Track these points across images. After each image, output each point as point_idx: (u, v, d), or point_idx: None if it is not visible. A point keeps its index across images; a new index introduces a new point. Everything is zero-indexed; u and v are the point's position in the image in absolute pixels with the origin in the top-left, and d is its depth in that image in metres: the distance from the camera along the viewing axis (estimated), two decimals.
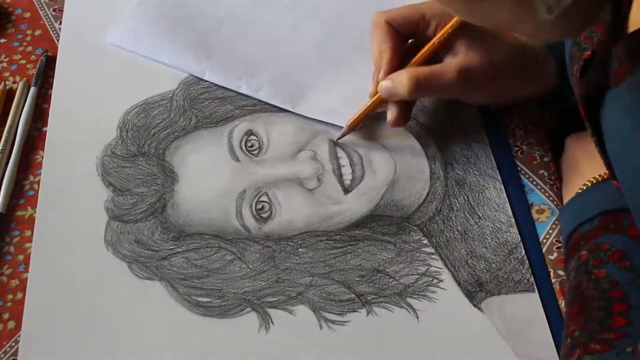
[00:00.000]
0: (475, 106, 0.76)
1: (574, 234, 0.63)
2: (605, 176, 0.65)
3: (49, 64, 0.81)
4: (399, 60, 0.70)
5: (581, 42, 0.60)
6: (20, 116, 0.76)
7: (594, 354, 0.54)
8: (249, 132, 0.74)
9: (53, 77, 0.80)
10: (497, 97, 0.73)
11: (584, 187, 0.66)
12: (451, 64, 0.68)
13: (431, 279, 0.66)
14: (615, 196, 0.61)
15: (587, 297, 0.58)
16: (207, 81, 0.79)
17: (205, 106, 0.77)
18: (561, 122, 0.76)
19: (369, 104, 0.72)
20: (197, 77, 0.79)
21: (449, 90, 0.70)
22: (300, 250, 0.67)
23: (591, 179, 0.65)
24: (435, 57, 0.70)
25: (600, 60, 0.56)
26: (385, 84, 0.69)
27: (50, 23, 0.86)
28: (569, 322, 0.58)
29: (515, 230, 0.68)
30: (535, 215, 0.69)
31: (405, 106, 0.71)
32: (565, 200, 0.68)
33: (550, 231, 0.68)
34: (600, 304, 0.56)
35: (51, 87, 0.79)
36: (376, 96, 0.71)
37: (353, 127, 0.73)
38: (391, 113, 0.71)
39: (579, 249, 0.61)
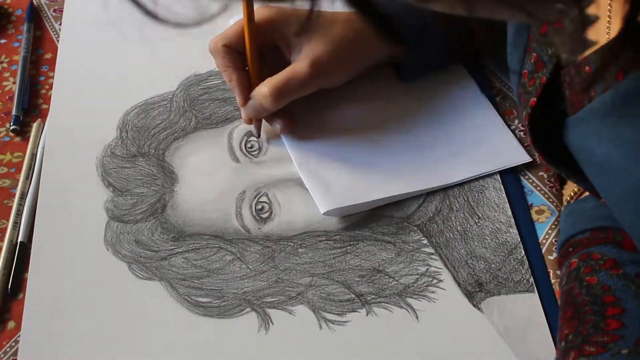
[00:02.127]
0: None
1: (566, 243, 0.64)
2: None
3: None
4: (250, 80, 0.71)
5: (526, 84, 0.61)
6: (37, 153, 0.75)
7: (589, 356, 0.54)
8: (249, 133, 0.75)
9: (53, 77, 0.80)
10: (351, 73, 0.73)
11: (573, 194, 0.66)
12: (301, 61, 0.69)
13: (431, 279, 0.66)
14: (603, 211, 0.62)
15: (579, 302, 0.58)
16: (208, 82, 0.79)
17: (205, 107, 0.77)
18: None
19: (255, 126, 0.74)
20: (197, 78, 0.79)
21: (308, 86, 0.70)
22: (300, 250, 0.67)
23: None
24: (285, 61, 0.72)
25: (549, 97, 0.57)
26: (250, 104, 0.70)
27: (50, 24, 0.86)
28: (562, 326, 0.59)
29: (514, 230, 0.68)
30: (534, 216, 0.69)
31: (284, 111, 0.72)
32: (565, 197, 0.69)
33: (550, 231, 0.68)
34: (593, 308, 0.57)
35: (51, 88, 0.79)
36: (250, 119, 0.73)
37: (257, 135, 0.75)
38: (278, 124, 0.73)
39: (568, 256, 0.62)
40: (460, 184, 0.71)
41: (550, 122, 0.58)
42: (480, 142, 0.73)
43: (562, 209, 0.68)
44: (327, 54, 0.69)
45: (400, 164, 0.72)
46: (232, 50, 0.70)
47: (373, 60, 0.74)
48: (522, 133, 0.74)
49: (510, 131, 0.74)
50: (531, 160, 0.72)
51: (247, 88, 0.70)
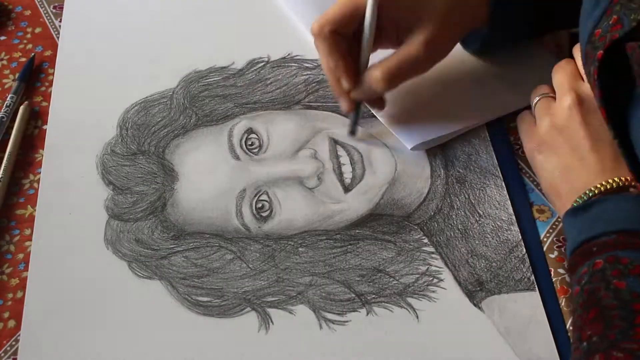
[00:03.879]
0: None
1: (585, 242, 0.61)
2: (626, 181, 0.61)
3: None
4: (354, 63, 0.69)
5: (595, 41, 0.59)
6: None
7: None
8: (249, 131, 0.74)
9: (53, 74, 0.80)
10: (456, 43, 0.73)
11: (597, 192, 0.62)
12: (413, 43, 0.67)
13: (431, 278, 0.66)
14: (633, 213, 0.60)
15: (605, 305, 0.56)
16: (208, 79, 0.79)
17: (205, 104, 0.77)
18: None
19: (354, 118, 0.73)
20: (197, 75, 0.79)
21: (423, 67, 0.69)
22: (300, 249, 0.67)
23: (604, 183, 0.62)
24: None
25: (617, 59, 0.55)
26: (361, 89, 0.69)
27: (50, 21, 0.86)
28: (584, 326, 0.57)
29: (516, 228, 0.68)
30: (535, 215, 0.69)
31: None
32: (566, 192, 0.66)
33: (551, 230, 0.68)
34: (621, 313, 0.55)
35: (51, 85, 0.79)
36: (354, 104, 0.71)
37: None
38: (373, 105, 0.74)
39: (591, 256, 0.59)
40: (461, 182, 0.71)
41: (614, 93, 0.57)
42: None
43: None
44: (438, 32, 0.67)
45: (466, 100, 0.77)
46: (338, 35, 0.68)
47: (470, 29, 0.72)
48: None
49: None
50: None
51: (354, 73, 0.69)
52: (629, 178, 0.61)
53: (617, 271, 0.57)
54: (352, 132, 0.74)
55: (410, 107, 0.75)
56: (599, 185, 0.62)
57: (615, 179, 0.61)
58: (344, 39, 0.68)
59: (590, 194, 0.62)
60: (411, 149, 0.73)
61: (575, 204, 0.62)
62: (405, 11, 0.67)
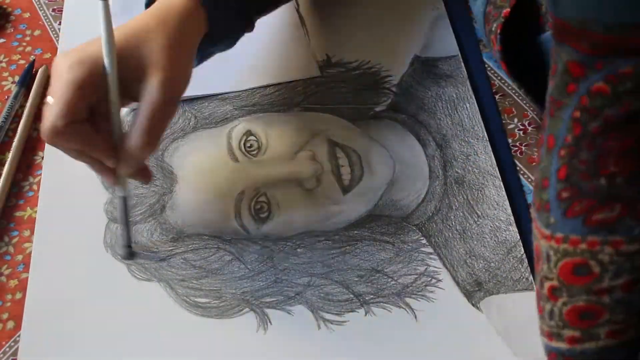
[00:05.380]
0: None
1: None
2: None
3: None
4: (103, 136, 0.60)
5: (496, 1, 0.60)
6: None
7: None
8: (248, 133, 0.74)
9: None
10: (188, 76, 0.62)
11: None
12: (150, 91, 0.58)
13: (430, 278, 0.66)
14: None
15: None
16: None
17: (204, 107, 0.77)
18: None
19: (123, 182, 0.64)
20: None
21: (170, 111, 0.61)
22: (298, 250, 0.67)
23: None
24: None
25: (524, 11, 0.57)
26: (126, 164, 0.61)
27: (49, 23, 0.86)
28: (607, 156, 0.46)
29: (514, 228, 0.68)
30: None
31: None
32: None
33: None
34: None
35: None
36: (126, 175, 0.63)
37: None
38: (140, 177, 0.65)
39: None
40: (459, 183, 0.71)
41: (518, 42, 0.58)
42: None
43: None
44: (167, 67, 0.58)
45: None
46: (74, 124, 0.57)
47: (200, 36, 0.64)
48: (521, 132, 0.74)
49: None
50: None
51: (111, 147, 0.60)
52: None
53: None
54: (131, 255, 0.67)
55: None
56: None
57: None
58: (80, 122, 0.58)
59: None
60: None
61: None
62: (130, 68, 0.59)
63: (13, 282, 0.67)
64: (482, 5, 0.63)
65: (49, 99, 0.58)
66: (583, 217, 0.47)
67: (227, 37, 0.68)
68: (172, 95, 0.60)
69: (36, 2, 0.88)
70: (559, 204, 0.48)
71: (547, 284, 0.50)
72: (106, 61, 0.57)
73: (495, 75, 0.79)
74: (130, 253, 0.67)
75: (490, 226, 0.69)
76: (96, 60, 0.58)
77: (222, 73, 0.78)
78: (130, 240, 0.66)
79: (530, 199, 0.70)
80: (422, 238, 0.68)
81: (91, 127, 0.59)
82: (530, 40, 0.58)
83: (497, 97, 0.77)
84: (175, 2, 0.61)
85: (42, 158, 0.74)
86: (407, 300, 0.65)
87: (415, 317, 0.64)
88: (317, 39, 0.82)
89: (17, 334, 0.63)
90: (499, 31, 0.60)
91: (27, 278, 0.66)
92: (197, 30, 0.63)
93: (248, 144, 0.74)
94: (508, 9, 0.60)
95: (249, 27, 0.70)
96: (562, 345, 0.50)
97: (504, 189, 0.71)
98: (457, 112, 0.76)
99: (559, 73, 0.47)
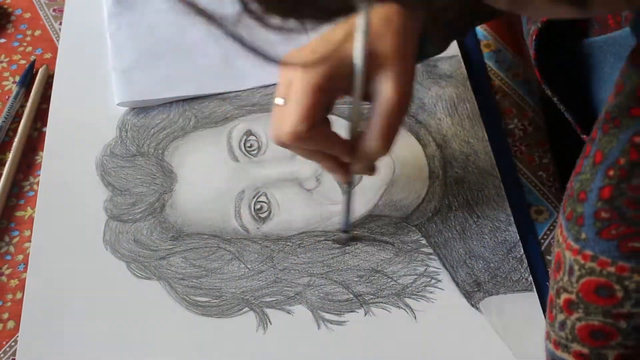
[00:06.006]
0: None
1: None
2: None
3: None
4: (337, 136, 0.60)
5: None
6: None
7: None
8: (248, 132, 0.74)
9: (53, 77, 0.80)
10: (414, 76, 0.61)
11: None
12: (386, 92, 0.57)
13: (429, 279, 0.66)
14: None
15: None
16: None
17: (204, 106, 0.77)
18: (562, 125, 0.76)
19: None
20: None
21: (404, 112, 0.59)
22: (298, 250, 0.67)
23: None
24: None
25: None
26: (361, 163, 0.61)
27: (50, 23, 0.86)
28: None
29: (514, 228, 0.68)
30: (533, 216, 0.69)
31: None
32: None
33: (548, 232, 0.68)
34: None
35: (50, 87, 0.79)
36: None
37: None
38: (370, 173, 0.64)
39: None
40: (459, 183, 0.71)
41: (555, 50, 0.56)
42: None
43: None
44: (400, 68, 0.57)
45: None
46: (320, 127, 0.57)
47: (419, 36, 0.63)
48: (521, 132, 0.74)
49: None
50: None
51: (348, 145, 0.59)
52: None
53: None
54: (350, 239, 0.68)
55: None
56: None
57: None
58: (320, 124, 0.58)
59: None
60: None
61: None
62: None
63: (13, 282, 0.67)
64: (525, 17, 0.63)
65: (279, 100, 0.57)
66: (618, 241, 0.46)
67: (442, 41, 0.67)
68: (407, 92, 0.58)
69: (37, 2, 0.88)
70: (595, 222, 0.47)
71: (564, 296, 0.50)
72: (357, 60, 0.54)
73: (495, 75, 0.79)
74: (350, 238, 0.68)
75: (490, 226, 0.69)
76: (335, 60, 0.56)
77: (222, 73, 0.78)
78: (350, 227, 0.67)
79: (530, 199, 0.70)
80: (422, 238, 0.68)
81: (328, 127, 0.59)
82: (569, 45, 0.57)
83: (497, 97, 0.77)
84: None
85: (42, 158, 0.74)
86: (407, 300, 0.65)
87: (415, 318, 0.64)
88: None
89: (17, 334, 0.63)
90: (534, 36, 0.58)
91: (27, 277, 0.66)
92: (417, 29, 0.61)
93: (248, 144, 0.74)
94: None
95: (463, 33, 0.72)
96: (568, 358, 0.50)
97: (503, 190, 0.71)
98: (457, 112, 0.76)
99: (625, 93, 0.47)
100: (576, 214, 0.48)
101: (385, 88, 0.57)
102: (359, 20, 0.53)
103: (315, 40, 0.58)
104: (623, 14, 0.52)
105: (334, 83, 0.56)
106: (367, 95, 0.57)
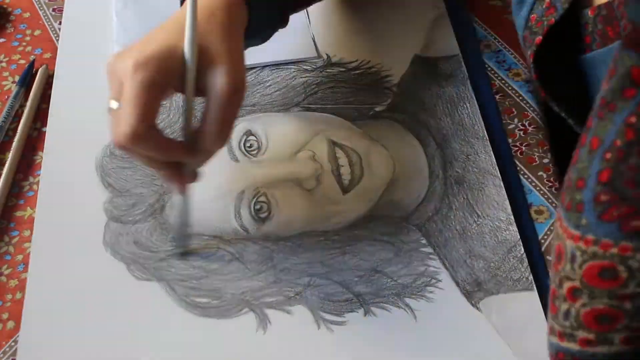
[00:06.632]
0: None
1: None
2: None
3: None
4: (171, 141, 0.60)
5: (532, 26, 0.60)
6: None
7: None
8: (248, 132, 0.74)
9: (52, 77, 0.80)
10: (243, 64, 0.61)
11: None
12: (217, 83, 0.57)
13: (429, 279, 0.66)
14: None
15: None
16: None
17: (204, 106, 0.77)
18: (562, 125, 0.76)
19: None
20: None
21: (238, 100, 0.59)
22: (298, 250, 0.67)
23: None
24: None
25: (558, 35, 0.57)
26: (200, 158, 0.61)
27: (49, 23, 0.86)
28: None
29: (514, 228, 0.68)
30: (533, 216, 0.69)
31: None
32: None
33: (549, 232, 0.68)
34: None
35: (50, 87, 0.79)
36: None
37: None
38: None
39: None
40: (459, 183, 0.71)
41: (556, 63, 0.57)
42: None
43: None
44: (228, 59, 0.57)
45: None
46: (156, 126, 0.57)
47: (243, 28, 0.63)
48: (521, 132, 0.74)
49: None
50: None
51: (187, 153, 0.60)
52: None
53: None
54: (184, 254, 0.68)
55: None
56: None
57: None
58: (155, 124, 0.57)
59: None
60: None
61: None
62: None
63: (13, 282, 0.67)
64: (520, 29, 0.63)
65: (114, 104, 0.57)
66: (619, 222, 0.46)
67: (264, 31, 0.69)
68: (239, 83, 0.58)
69: (36, 2, 0.88)
70: (595, 206, 0.47)
71: (567, 284, 0.49)
72: (187, 55, 0.56)
73: (495, 75, 0.79)
74: (185, 253, 0.67)
75: (490, 226, 0.69)
76: (165, 57, 0.56)
77: None
78: (187, 241, 0.67)
79: (530, 199, 0.70)
80: (422, 238, 0.68)
81: (161, 131, 0.58)
82: (568, 60, 0.57)
83: (497, 97, 0.77)
84: None
85: (42, 158, 0.74)
86: (407, 300, 0.65)
87: (415, 317, 0.64)
88: (318, 39, 0.82)
89: (17, 334, 0.63)
90: (531, 60, 0.59)
91: (27, 278, 0.66)
92: (241, 21, 0.62)
93: (248, 144, 0.74)
94: (540, 37, 0.59)
95: (285, 21, 0.70)
96: (574, 346, 0.50)
97: (504, 189, 0.71)
98: (457, 112, 0.76)
99: (618, 76, 0.47)
100: (575, 202, 0.48)
101: (219, 81, 0.57)
102: (186, 17, 0.55)
103: (142, 39, 0.58)
104: (621, 24, 0.52)
105: (166, 79, 0.56)
106: (200, 91, 0.58)
